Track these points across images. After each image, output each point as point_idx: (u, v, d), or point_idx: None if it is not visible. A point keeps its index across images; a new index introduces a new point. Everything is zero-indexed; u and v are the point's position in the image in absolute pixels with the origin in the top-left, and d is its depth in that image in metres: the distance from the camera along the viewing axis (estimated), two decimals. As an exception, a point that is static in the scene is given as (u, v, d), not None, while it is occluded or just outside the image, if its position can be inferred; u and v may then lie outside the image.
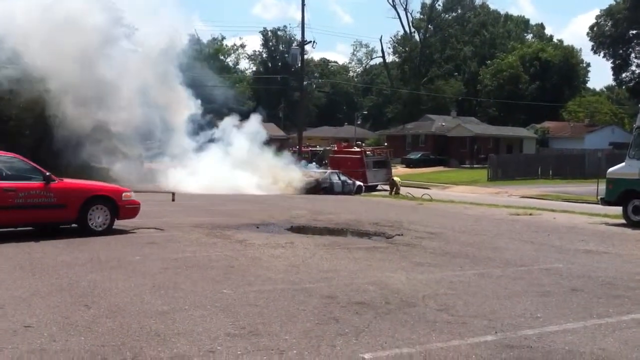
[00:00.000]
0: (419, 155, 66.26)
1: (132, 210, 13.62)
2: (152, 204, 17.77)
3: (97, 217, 12.90)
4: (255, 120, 36.29)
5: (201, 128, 33.81)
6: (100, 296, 7.54)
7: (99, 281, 8.35)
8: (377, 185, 39.96)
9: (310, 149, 56.74)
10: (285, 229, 15.13)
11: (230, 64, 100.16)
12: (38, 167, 12.65)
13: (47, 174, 12.46)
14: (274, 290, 8.01)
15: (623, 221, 17.62)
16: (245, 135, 34.38)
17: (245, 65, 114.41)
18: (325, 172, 35.32)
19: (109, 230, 12.98)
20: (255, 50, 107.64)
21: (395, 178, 37.17)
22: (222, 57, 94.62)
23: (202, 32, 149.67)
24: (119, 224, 13.56)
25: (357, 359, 5.53)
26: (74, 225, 12.94)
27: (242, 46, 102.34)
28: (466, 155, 65.75)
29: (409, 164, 63.50)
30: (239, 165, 31.68)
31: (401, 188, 35.39)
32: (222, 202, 22.57)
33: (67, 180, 13.22)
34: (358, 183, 35.90)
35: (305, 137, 65.51)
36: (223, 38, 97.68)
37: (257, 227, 15.10)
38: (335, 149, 45.00)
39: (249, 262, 10.09)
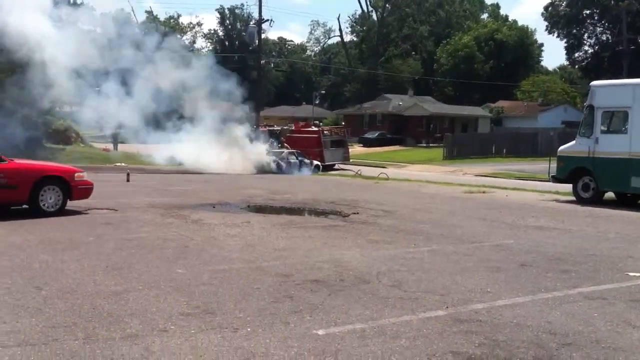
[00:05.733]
0: (376, 134, 66.54)
1: (85, 190, 13.39)
2: (106, 185, 17.53)
3: (49, 198, 12.68)
4: None
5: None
6: (52, 277, 7.44)
7: (50, 262, 8.23)
8: (334, 165, 40.09)
9: (267, 128, 56.48)
10: (242, 209, 15.11)
11: (187, 42, 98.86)
12: (-13, 147, 12.35)
13: (-3, 154, 12.19)
14: (229, 270, 8.02)
15: (573, 198, 18.05)
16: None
17: (202, 43, 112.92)
18: (283, 151, 35.24)
19: (62, 211, 12.77)
20: (211, 29, 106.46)
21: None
22: (178, 36, 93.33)
23: (157, 10, 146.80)
24: (71, 204, 13.34)
25: (311, 335, 5.58)
26: (25, 206, 12.71)
27: (199, 24, 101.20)
28: (422, 134, 66.28)
29: (366, 143, 63.76)
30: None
31: (359, 168, 35.57)
32: (178, 182, 22.37)
33: (17, 161, 12.96)
34: (315, 162, 35.96)
35: (263, 116, 65.09)
36: (179, 16, 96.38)
37: (214, 207, 15.03)
38: (293, 128, 44.84)
39: (205, 242, 10.06)
